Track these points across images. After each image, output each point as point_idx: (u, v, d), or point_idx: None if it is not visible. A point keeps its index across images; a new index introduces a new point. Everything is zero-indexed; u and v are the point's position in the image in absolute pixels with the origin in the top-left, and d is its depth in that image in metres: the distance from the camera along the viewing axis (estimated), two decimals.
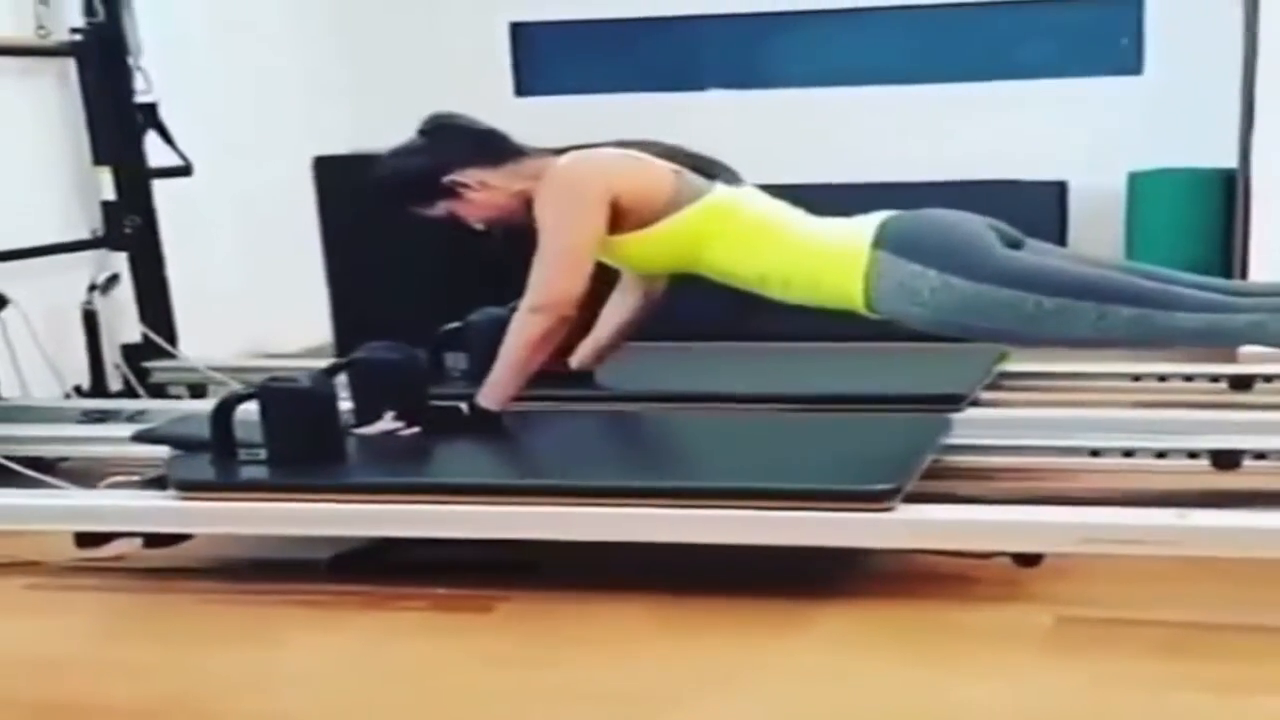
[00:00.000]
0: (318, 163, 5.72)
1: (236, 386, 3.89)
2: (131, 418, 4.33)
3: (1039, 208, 5.85)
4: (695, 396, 4.01)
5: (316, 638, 3.03)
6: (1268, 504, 3.25)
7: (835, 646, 2.86)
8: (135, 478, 3.61)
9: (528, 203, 3.55)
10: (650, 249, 3.57)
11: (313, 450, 3.36)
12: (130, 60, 5.08)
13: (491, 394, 3.55)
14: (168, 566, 3.39)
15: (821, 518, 2.98)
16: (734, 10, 7.03)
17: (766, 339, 4.35)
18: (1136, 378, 4.34)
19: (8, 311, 4.67)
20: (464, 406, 3.55)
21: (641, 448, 3.83)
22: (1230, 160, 5.74)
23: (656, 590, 3.09)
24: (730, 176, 3.63)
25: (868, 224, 3.42)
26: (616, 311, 3.94)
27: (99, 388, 5.02)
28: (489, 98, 6.01)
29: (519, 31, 7.30)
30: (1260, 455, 3.56)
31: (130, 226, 5.14)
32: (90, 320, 5.04)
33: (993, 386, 4.15)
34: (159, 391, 5.10)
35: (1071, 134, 6.49)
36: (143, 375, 5.13)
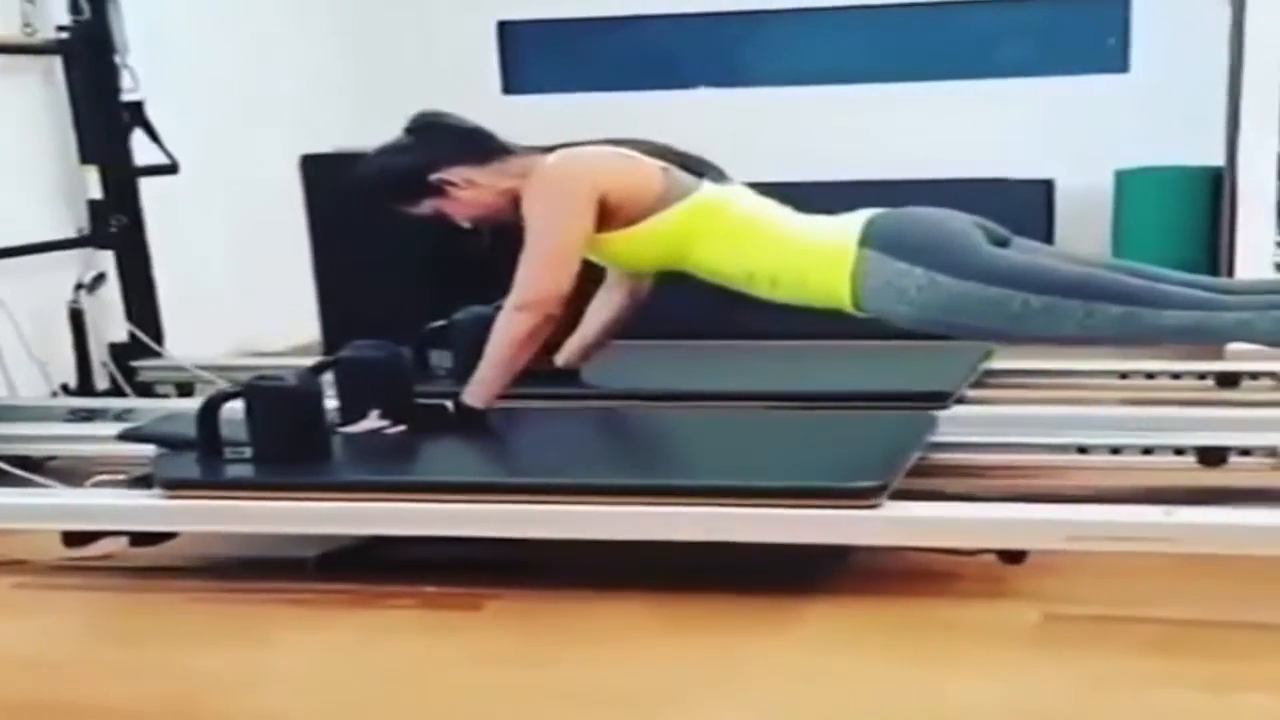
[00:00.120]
0: (305, 161, 5.72)
1: (224, 385, 3.88)
2: (119, 416, 4.32)
3: (1026, 206, 5.85)
4: (681, 394, 4.01)
5: (305, 636, 3.02)
6: (1254, 501, 3.26)
7: (825, 644, 2.86)
8: (121, 476, 3.60)
9: (515, 201, 3.55)
10: (638, 247, 3.57)
11: (298, 449, 3.35)
12: (117, 58, 5.07)
13: (477, 392, 3.55)
14: (155, 565, 3.39)
15: (807, 515, 2.98)
16: (721, 8, 7.04)
17: (753, 337, 4.34)
18: (1124, 375, 4.35)
19: None
20: (449, 405, 3.55)
21: (627, 445, 3.83)
22: (1217, 158, 5.74)
23: (646, 588, 3.08)
24: (717, 175, 3.64)
25: (854, 222, 3.43)
26: (602, 309, 3.94)
27: (86, 386, 5.02)
28: (476, 96, 6.03)
29: (506, 30, 7.30)
30: (1246, 452, 3.57)
31: (117, 225, 5.13)
32: (77, 319, 5.03)
33: (979, 384, 4.15)
34: (146, 390, 5.09)
35: (1058, 132, 6.52)
36: (130, 374, 5.12)
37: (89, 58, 5.04)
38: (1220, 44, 5.64)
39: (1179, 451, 3.59)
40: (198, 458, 3.38)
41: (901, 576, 3.10)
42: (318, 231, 5.74)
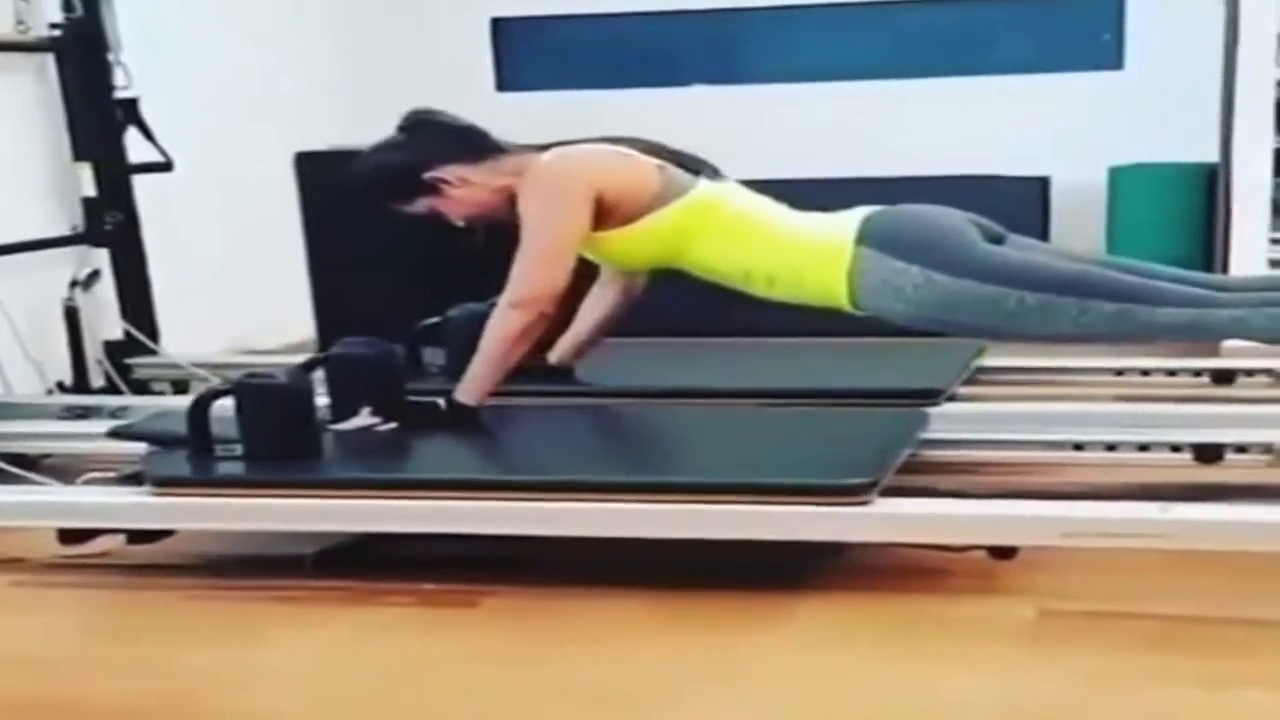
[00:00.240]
0: (299, 158, 5.71)
1: (219, 382, 3.87)
2: (114, 414, 4.32)
3: (1021, 203, 5.84)
4: (675, 392, 4.00)
5: (301, 634, 3.02)
6: (1250, 497, 3.26)
7: (820, 641, 2.86)
8: (111, 474, 3.59)
9: (510, 199, 3.54)
10: (635, 245, 3.57)
11: (288, 446, 3.35)
12: (110, 55, 5.07)
13: (469, 389, 3.54)
14: (151, 563, 3.38)
15: (798, 512, 2.99)
16: (716, 5, 7.04)
17: (746, 334, 4.34)
18: (1119, 372, 4.35)
19: None
20: (441, 402, 3.55)
21: (620, 443, 3.83)
22: (1211, 155, 5.74)
23: (642, 585, 3.08)
24: (712, 172, 3.64)
25: (851, 220, 3.43)
26: (596, 306, 3.94)
27: (81, 384, 5.01)
28: (470, 93, 6.03)
29: (500, 26, 7.29)
30: (1242, 449, 3.57)
31: (111, 222, 5.13)
32: (72, 316, 5.03)
33: (972, 381, 4.15)
34: (141, 388, 5.09)
35: (1053, 129, 6.52)
36: (125, 371, 5.12)
37: (82, 55, 5.04)
38: (1215, 41, 5.65)
39: (1175, 448, 3.59)
40: (188, 455, 3.38)
41: (896, 573, 3.10)
42: (312, 229, 5.74)
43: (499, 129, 3.71)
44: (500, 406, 3.64)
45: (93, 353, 5.11)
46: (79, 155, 5.10)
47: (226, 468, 3.33)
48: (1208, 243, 5.84)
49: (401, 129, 3.68)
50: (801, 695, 2.62)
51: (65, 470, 3.92)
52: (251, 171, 5.91)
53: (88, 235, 5.14)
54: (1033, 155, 6.31)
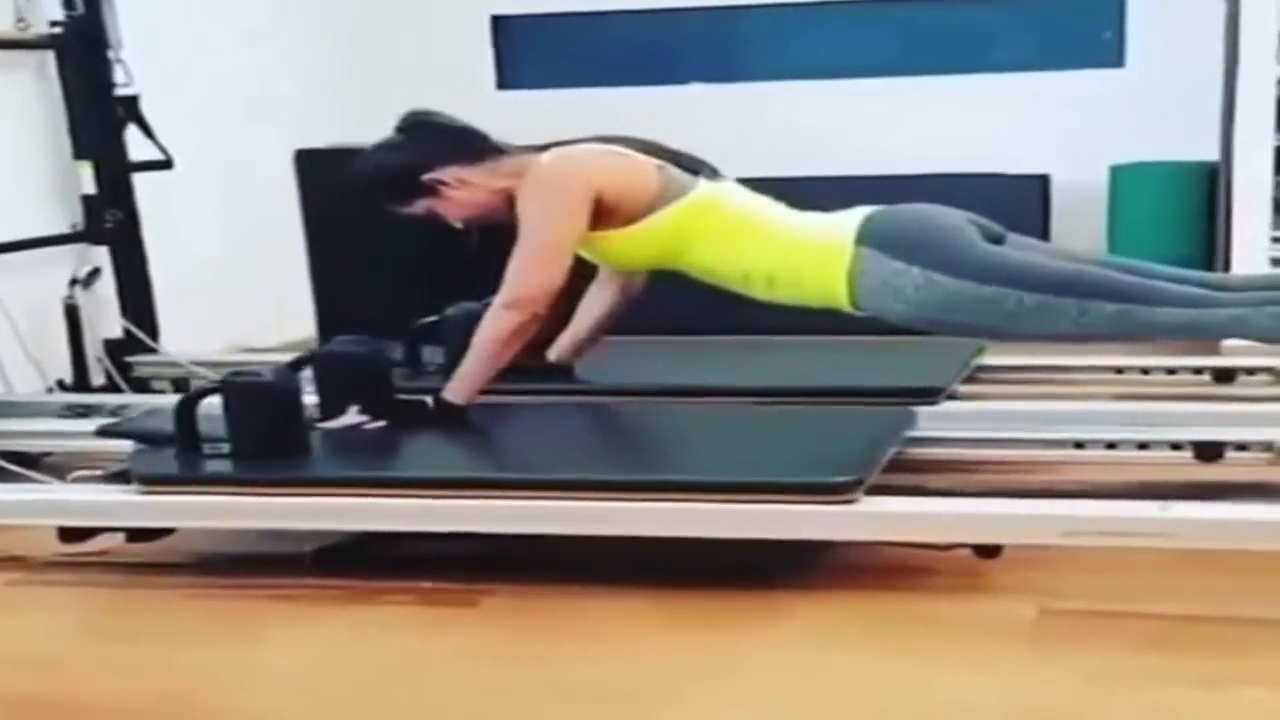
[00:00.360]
0: (299, 156, 5.71)
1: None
2: (114, 412, 4.32)
3: (1021, 201, 5.84)
4: (673, 390, 4.00)
5: (300, 633, 3.02)
6: (1251, 496, 3.25)
7: (820, 640, 2.86)
8: (99, 472, 3.59)
9: (508, 200, 3.53)
10: (634, 246, 3.56)
11: (275, 444, 3.35)
12: (110, 53, 5.07)
13: (458, 387, 3.54)
14: (150, 562, 3.38)
15: (784, 510, 2.99)
16: (716, 4, 7.04)
17: (745, 332, 4.34)
18: (1119, 370, 4.34)
19: None
20: (429, 400, 3.55)
21: (609, 441, 3.82)
22: (1212, 154, 5.74)
23: (640, 584, 3.08)
24: (710, 172, 3.63)
25: (851, 220, 3.43)
26: (594, 305, 3.93)
27: (81, 382, 5.01)
28: (470, 91, 6.03)
29: (501, 24, 7.29)
30: (1242, 447, 3.56)
31: (111, 220, 5.13)
32: (72, 315, 5.03)
33: (971, 379, 4.15)
34: (141, 386, 5.09)
35: (1054, 127, 6.51)
36: (125, 370, 5.11)
37: (82, 53, 5.04)
38: (1216, 39, 5.64)
39: (1175, 446, 3.58)
40: (175, 453, 3.37)
41: (896, 573, 3.09)
42: (312, 227, 5.74)
43: (499, 127, 3.70)
44: (487, 404, 3.63)
45: (93, 351, 5.11)
46: (79, 153, 5.10)
47: (213, 466, 3.33)
48: (1209, 241, 5.84)
49: (399, 130, 3.67)
50: (802, 694, 2.62)
51: (65, 469, 3.91)
52: (252, 169, 5.91)
53: (88, 233, 5.14)
54: (1033, 153, 6.30)
